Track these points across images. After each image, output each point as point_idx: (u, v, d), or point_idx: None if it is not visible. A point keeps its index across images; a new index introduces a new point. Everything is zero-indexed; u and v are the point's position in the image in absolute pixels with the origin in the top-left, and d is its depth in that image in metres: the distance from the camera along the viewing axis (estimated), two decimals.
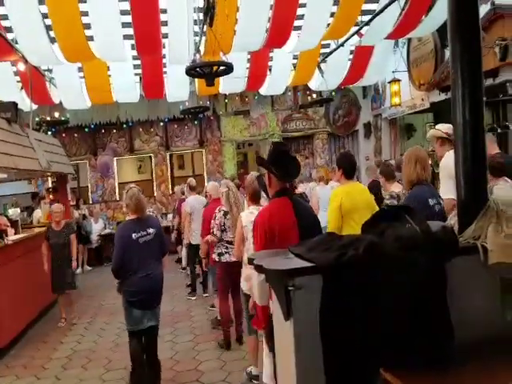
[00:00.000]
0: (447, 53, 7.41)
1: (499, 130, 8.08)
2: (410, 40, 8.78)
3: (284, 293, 1.54)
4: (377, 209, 3.96)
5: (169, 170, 12.34)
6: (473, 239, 1.61)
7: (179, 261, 8.95)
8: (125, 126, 11.72)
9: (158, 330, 3.88)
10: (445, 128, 4.11)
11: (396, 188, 4.48)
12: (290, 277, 1.53)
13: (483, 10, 6.60)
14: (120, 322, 6.00)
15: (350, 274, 1.47)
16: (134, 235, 3.63)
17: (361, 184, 4.44)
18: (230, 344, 4.67)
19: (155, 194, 12.13)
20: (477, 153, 1.76)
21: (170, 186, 12.07)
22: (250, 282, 3.42)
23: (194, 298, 6.85)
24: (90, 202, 11.95)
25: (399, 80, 9.10)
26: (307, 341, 1.49)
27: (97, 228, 10.90)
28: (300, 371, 1.51)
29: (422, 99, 8.74)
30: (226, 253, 4.57)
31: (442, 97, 7.71)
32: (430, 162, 3.43)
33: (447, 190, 3.57)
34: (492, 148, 5.17)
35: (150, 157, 12.32)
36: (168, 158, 12.34)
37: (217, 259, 4.62)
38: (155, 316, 3.75)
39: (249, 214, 3.72)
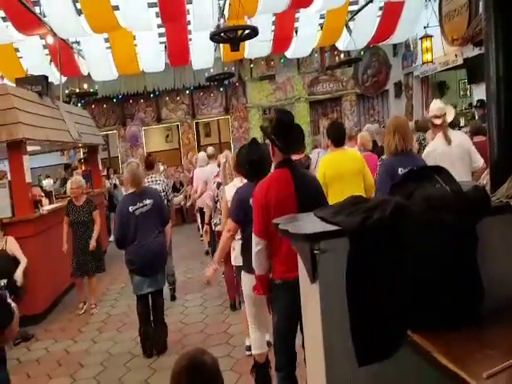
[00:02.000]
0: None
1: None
2: None
3: (310, 256, 1.55)
4: (369, 175, 4.01)
5: (195, 138, 12.40)
6: (506, 198, 1.56)
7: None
8: (152, 95, 11.79)
9: (162, 296, 4.24)
10: (432, 110, 4.05)
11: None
12: (316, 240, 1.53)
13: None
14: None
15: (377, 236, 1.46)
16: (130, 208, 3.96)
17: (352, 151, 4.40)
18: (235, 305, 4.87)
19: (182, 163, 12.26)
20: (511, 109, 1.68)
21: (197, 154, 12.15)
22: (234, 252, 3.53)
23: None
24: (121, 172, 12.22)
25: (431, 36, 8.66)
26: (333, 303, 1.50)
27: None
28: (326, 334, 1.54)
29: (456, 55, 8.31)
30: (219, 224, 4.70)
31: (476, 52, 7.31)
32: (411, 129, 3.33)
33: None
34: None
35: (177, 125, 12.39)
36: (194, 126, 12.38)
37: (213, 228, 4.90)
38: (156, 282, 4.06)
39: (233, 187, 3.62)
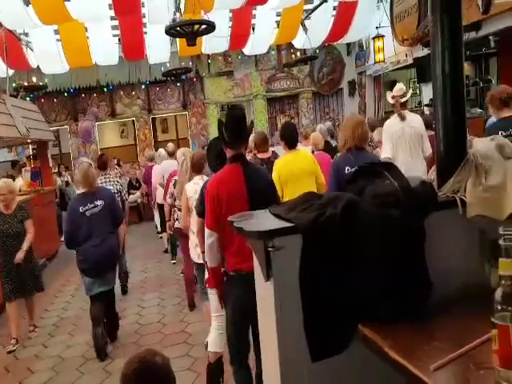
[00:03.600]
0: None
1: (481, 84, 8.05)
2: None
3: (264, 254, 1.54)
4: (320, 174, 4.14)
5: (152, 134, 12.15)
6: (452, 193, 1.62)
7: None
8: (105, 89, 11.41)
9: (114, 295, 4.28)
10: (393, 91, 4.76)
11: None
12: (270, 238, 1.53)
13: None
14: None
15: (329, 232, 1.47)
16: (81, 208, 3.95)
17: (303, 151, 4.52)
18: (193, 305, 4.84)
19: (139, 159, 11.99)
20: (456, 106, 1.74)
21: (154, 150, 11.92)
22: (198, 249, 3.49)
23: (175, 261, 6.91)
24: (73, 169, 11.78)
25: (383, 36, 8.92)
26: (287, 301, 1.51)
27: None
28: (281, 331, 1.54)
29: (406, 55, 8.61)
30: (177, 219, 4.77)
31: (426, 52, 7.60)
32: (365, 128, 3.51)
33: (383, 151, 4.62)
34: None
35: (133, 121, 12.09)
36: (151, 121, 12.12)
37: (173, 224, 4.92)
38: (107, 282, 4.06)
39: (193, 185, 3.81)
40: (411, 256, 1.45)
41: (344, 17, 8.66)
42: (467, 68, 9.03)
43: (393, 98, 4.69)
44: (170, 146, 7.32)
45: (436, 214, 1.52)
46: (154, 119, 12.27)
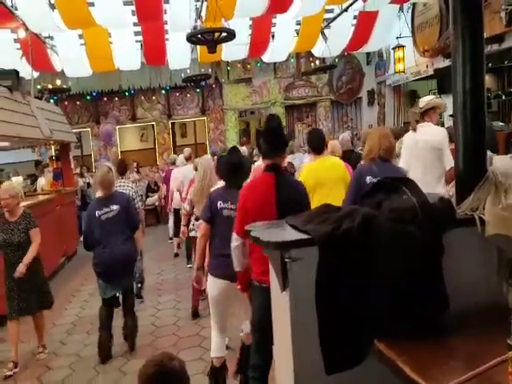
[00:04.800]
0: None
1: (503, 97, 7.94)
2: (414, 4, 8.52)
3: (280, 264, 1.57)
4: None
5: (171, 138, 12.29)
6: (470, 210, 1.62)
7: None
8: (127, 93, 11.61)
9: (131, 296, 4.23)
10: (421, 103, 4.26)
11: None
12: (287, 249, 1.55)
13: None
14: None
15: (346, 246, 1.49)
16: (97, 213, 3.98)
17: (332, 158, 4.35)
18: (197, 314, 4.83)
19: (157, 163, 12.14)
20: (476, 122, 1.74)
21: (173, 154, 12.06)
22: None
23: (191, 265, 6.94)
24: (94, 171, 11.99)
25: (403, 46, 8.89)
26: (303, 312, 1.52)
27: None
28: (296, 342, 1.56)
29: (427, 66, 8.56)
30: (192, 230, 4.76)
31: (447, 63, 7.55)
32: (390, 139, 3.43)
33: (400, 164, 4.18)
34: None
35: (153, 125, 12.24)
36: (170, 126, 12.27)
37: (187, 233, 4.95)
38: (119, 286, 4.07)
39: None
40: (428, 272, 1.45)
41: (364, 26, 8.64)
42: (489, 80, 8.93)
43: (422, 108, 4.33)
44: (187, 150, 7.37)
45: (454, 231, 1.52)
46: (173, 124, 12.41)
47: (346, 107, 12.27)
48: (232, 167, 3.19)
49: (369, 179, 3.26)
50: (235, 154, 3.36)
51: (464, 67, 1.74)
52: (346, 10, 7.47)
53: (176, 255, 7.51)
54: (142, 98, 11.89)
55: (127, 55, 8.76)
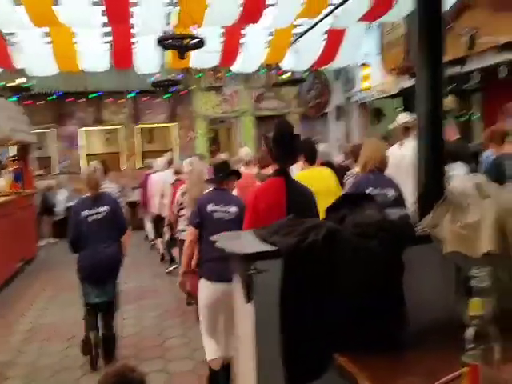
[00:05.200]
0: None
1: (464, 118, 8.31)
2: (382, 24, 8.81)
3: (245, 276, 1.56)
4: (340, 193, 4.07)
5: (138, 143, 12.10)
6: (430, 228, 1.68)
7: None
8: (93, 95, 11.35)
9: (113, 307, 4.00)
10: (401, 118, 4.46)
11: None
12: (252, 260, 1.55)
13: None
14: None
15: (310, 259, 1.51)
16: (83, 213, 3.80)
17: (324, 169, 4.38)
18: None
19: (123, 168, 11.90)
20: (435, 143, 1.81)
21: (140, 159, 11.87)
22: None
23: (173, 266, 6.78)
24: (55, 173, 11.60)
25: (370, 64, 9.15)
26: (267, 324, 1.52)
27: (59, 199, 10.63)
28: (259, 353, 1.55)
29: (392, 84, 8.84)
30: (183, 231, 4.70)
31: (412, 82, 7.75)
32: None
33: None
34: (452, 134, 5.43)
35: (119, 129, 12.01)
36: (137, 131, 12.08)
37: (177, 235, 4.87)
38: (105, 293, 3.88)
39: None
40: (389, 288, 1.49)
41: (332, 43, 8.84)
42: (452, 101, 9.31)
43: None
44: (168, 155, 7.55)
45: (414, 248, 1.57)
46: (141, 129, 12.23)
47: (315, 121, 12.48)
48: (218, 166, 3.38)
49: (370, 189, 3.28)
50: (221, 160, 3.63)
51: (426, 91, 1.82)
52: (315, 25, 7.63)
53: (163, 258, 7.42)
54: (109, 100, 11.66)
55: (94, 56, 8.58)
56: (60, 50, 8.20)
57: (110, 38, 8.22)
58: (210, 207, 3.20)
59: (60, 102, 11.41)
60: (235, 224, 2.95)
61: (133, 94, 11.58)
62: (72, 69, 8.95)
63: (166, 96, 11.75)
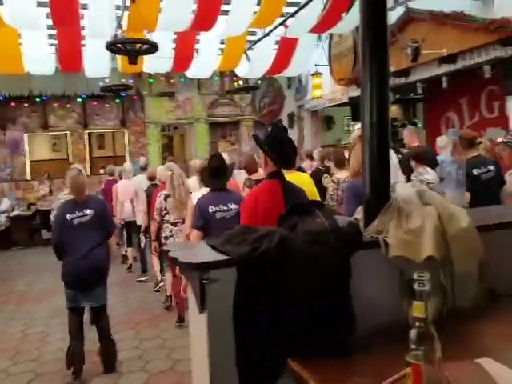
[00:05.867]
0: None
1: (408, 126, 8.72)
2: (331, 35, 9.10)
3: (199, 285, 1.56)
4: (318, 198, 4.09)
5: (87, 149, 11.70)
6: (376, 234, 1.75)
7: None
8: (38, 99, 10.87)
9: (105, 312, 3.89)
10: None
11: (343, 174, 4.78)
12: (205, 270, 1.55)
13: (398, 12, 7.03)
14: (29, 311, 5.68)
15: (263, 267, 1.53)
16: (68, 216, 3.67)
17: (302, 174, 4.45)
18: (184, 318, 4.70)
19: None
20: (381, 152, 1.89)
21: (89, 166, 11.48)
22: None
23: (146, 277, 6.66)
24: None
25: (321, 73, 9.42)
26: (221, 334, 1.52)
27: (1, 208, 10.08)
28: (213, 363, 1.55)
29: (342, 93, 9.15)
30: (170, 236, 4.69)
31: (359, 92, 8.11)
32: None
33: None
34: (413, 140, 5.70)
35: (66, 134, 11.57)
36: (86, 136, 11.69)
37: (163, 242, 4.77)
38: (94, 297, 3.75)
39: (199, 195, 3.87)
40: (337, 292, 1.54)
41: (285, 52, 9.02)
42: (397, 111, 9.77)
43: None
44: (142, 159, 7.46)
45: (361, 253, 1.63)
46: (89, 134, 11.85)
47: (268, 128, 12.63)
48: (214, 168, 3.42)
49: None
50: (216, 158, 3.62)
51: (371, 102, 1.89)
52: (268, 34, 7.76)
53: (129, 267, 7.23)
54: (56, 105, 11.21)
55: (39, 59, 8.24)
56: (3, 52, 7.81)
57: (55, 41, 7.94)
58: (211, 209, 3.30)
59: (2, 106, 10.85)
60: (238, 220, 2.93)
61: (81, 99, 11.21)
62: (16, 71, 8.54)
63: (117, 101, 11.49)
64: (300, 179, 4.09)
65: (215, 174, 3.48)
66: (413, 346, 1.06)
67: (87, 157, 11.62)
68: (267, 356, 1.47)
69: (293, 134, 11.88)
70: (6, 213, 10.06)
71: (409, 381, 1.07)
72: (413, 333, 1.07)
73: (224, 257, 1.59)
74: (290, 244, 1.57)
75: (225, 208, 3.37)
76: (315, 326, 1.46)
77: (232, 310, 1.50)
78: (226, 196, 3.48)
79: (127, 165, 7.57)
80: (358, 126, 4.85)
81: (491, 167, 4.24)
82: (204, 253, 1.69)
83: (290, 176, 4.06)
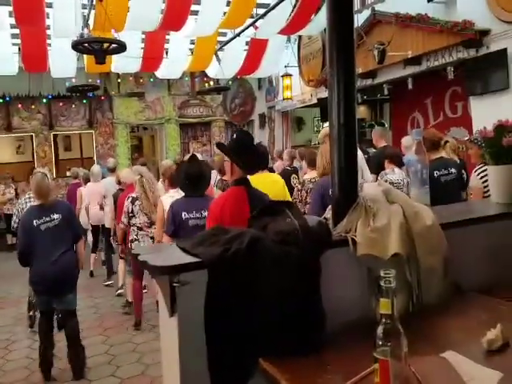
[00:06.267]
0: None
1: (376, 127, 8.91)
2: (300, 37, 9.20)
3: (169, 289, 1.54)
4: (289, 199, 4.15)
5: (53, 151, 11.39)
6: (344, 232, 1.78)
7: None
8: (1, 100, 10.51)
9: (76, 317, 3.83)
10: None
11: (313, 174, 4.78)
12: (175, 273, 1.54)
13: (365, 14, 7.17)
14: (11, 316, 5.49)
15: (235, 268, 1.53)
16: (35, 222, 3.58)
17: (272, 175, 4.49)
18: (140, 323, 4.75)
19: None
20: (349, 153, 1.92)
21: (55, 168, 11.18)
22: None
23: (112, 281, 6.53)
24: None
25: (291, 75, 9.51)
26: (192, 337, 1.51)
27: None
28: (184, 368, 1.53)
29: (311, 95, 9.26)
30: (136, 240, 4.65)
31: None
32: None
33: None
34: (380, 140, 5.79)
35: (31, 136, 11.24)
36: (52, 138, 11.38)
37: (129, 245, 4.73)
38: (66, 301, 3.70)
39: (169, 198, 3.88)
40: (307, 291, 1.55)
41: (255, 53, 9.05)
42: (364, 112, 9.96)
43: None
44: (111, 161, 7.30)
45: (331, 252, 1.65)
46: (55, 136, 11.54)
47: (240, 128, 12.64)
48: (195, 176, 3.31)
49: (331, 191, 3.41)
50: (196, 163, 3.46)
51: (338, 103, 1.92)
52: (238, 35, 7.76)
53: (91, 274, 7.04)
54: (20, 106, 10.87)
55: (2, 59, 7.98)
56: None
57: (19, 41, 7.70)
58: (184, 215, 3.23)
59: None
60: None
61: (47, 100, 10.90)
62: None
63: (84, 101, 11.24)
64: (271, 180, 4.15)
65: (196, 182, 3.38)
66: (380, 343, 1.08)
67: (53, 159, 11.31)
68: (239, 356, 1.47)
69: (264, 134, 11.95)
70: None
71: (376, 377, 1.09)
72: (380, 329, 1.09)
73: (195, 259, 1.58)
74: (260, 244, 1.58)
75: (198, 215, 3.30)
76: (286, 325, 1.47)
77: (203, 311, 1.49)
78: (200, 202, 3.38)
79: (95, 167, 7.38)
80: (326, 124, 4.91)
81: (453, 170, 4.27)
82: (174, 255, 1.68)
83: (263, 176, 4.11)
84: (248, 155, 2.68)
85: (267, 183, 4.04)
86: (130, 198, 4.71)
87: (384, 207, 1.75)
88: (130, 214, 4.67)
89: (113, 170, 7.02)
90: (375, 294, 1.60)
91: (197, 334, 1.46)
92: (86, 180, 7.34)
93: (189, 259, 1.60)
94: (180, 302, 1.54)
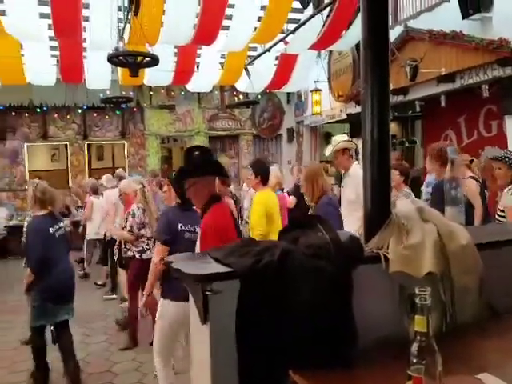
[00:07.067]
0: None
1: (407, 144, 8.82)
2: (331, 52, 9.24)
3: (201, 297, 1.57)
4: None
5: (86, 160, 11.74)
6: (377, 249, 1.77)
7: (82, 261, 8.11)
8: (38, 110, 10.93)
9: (71, 336, 3.86)
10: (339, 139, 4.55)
11: None
12: (208, 281, 1.56)
13: (397, 31, 7.16)
14: (25, 321, 5.61)
15: (265, 279, 1.54)
16: (51, 229, 3.64)
17: (271, 190, 4.62)
18: (137, 341, 4.63)
19: (70, 185, 11.48)
20: (383, 169, 1.92)
21: (88, 177, 11.49)
22: None
23: (115, 295, 6.56)
24: None
25: (320, 90, 9.54)
26: (223, 345, 1.53)
27: None
28: (215, 377, 1.55)
29: (340, 110, 9.25)
30: (147, 249, 4.60)
31: (358, 109, 8.24)
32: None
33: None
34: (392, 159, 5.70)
35: (66, 145, 11.62)
36: (86, 147, 11.73)
37: (138, 256, 4.60)
38: (71, 310, 3.77)
39: None
40: (339, 306, 1.55)
41: (285, 67, 9.14)
42: (395, 128, 9.88)
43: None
44: (120, 172, 7.52)
45: (362, 267, 1.65)
46: (89, 145, 11.89)
47: (267, 142, 12.74)
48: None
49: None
50: None
51: (372, 119, 1.93)
52: (268, 50, 7.87)
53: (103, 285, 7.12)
54: (56, 115, 11.28)
55: (41, 70, 8.33)
56: (5, 62, 7.88)
57: (57, 52, 8.03)
58: (180, 226, 3.18)
59: (3, 116, 10.91)
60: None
61: (82, 110, 11.28)
62: (17, 81, 8.63)
63: (117, 112, 11.57)
64: (273, 194, 4.31)
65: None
66: (414, 360, 1.07)
67: (86, 168, 11.65)
68: (269, 367, 1.47)
69: (291, 149, 11.99)
70: (4, 222, 10.02)
71: None
72: (414, 346, 1.08)
73: (227, 269, 1.61)
74: (291, 257, 1.59)
75: (192, 230, 3.21)
76: (317, 339, 1.47)
77: (234, 321, 1.51)
78: (193, 217, 3.25)
79: (107, 177, 7.35)
80: (335, 138, 4.77)
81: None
82: (207, 265, 1.71)
83: (269, 192, 4.19)
84: (220, 166, 2.82)
85: (272, 198, 4.22)
86: (141, 209, 4.61)
87: (418, 225, 1.73)
88: (141, 225, 4.59)
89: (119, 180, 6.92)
90: (408, 312, 1.58)
91: (229, 342, 1.48)
92: (94, 191, 7.36)
93: (221, 268, 1.63)
94: (212, 311, 1.56)
